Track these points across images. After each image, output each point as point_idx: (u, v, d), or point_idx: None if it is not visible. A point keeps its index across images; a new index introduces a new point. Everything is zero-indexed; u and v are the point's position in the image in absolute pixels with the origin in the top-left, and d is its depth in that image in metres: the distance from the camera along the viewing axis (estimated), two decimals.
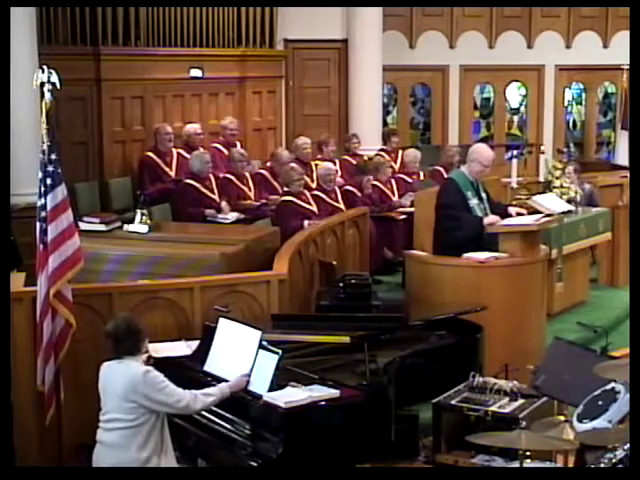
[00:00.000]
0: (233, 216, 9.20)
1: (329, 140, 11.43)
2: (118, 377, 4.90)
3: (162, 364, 5.62)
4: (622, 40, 13.78)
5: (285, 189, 9.62)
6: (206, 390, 5.07)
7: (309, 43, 13.12)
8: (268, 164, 10.75)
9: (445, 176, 10.83)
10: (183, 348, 5.90)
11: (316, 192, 9.74)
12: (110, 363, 5.02)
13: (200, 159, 9.48)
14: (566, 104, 15.10)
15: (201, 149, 10.15)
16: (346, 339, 5.50)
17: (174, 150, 10.36)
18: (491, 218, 7.44)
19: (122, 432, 4.86)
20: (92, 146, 10.37)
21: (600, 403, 4.78)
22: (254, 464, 4.91)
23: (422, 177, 11.26)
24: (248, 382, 5.20)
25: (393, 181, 10.95)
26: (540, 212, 7.92)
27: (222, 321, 5.55)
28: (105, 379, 5.01)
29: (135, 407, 4.84)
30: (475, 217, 7.40)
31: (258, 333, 5.30)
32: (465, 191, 7.44)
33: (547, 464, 5.01)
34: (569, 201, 9.15)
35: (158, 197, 9.49)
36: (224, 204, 9.33)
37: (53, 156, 5.72)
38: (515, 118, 15.07)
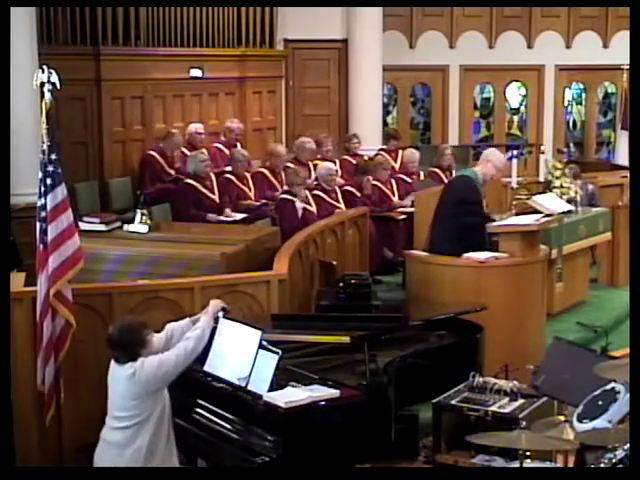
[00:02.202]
0: (237, 216, 9.20)
1: (325, 140, 11.42)
2: (120, 379, 4.90)
3: None
4: (622, 40, 13.78)
5: (285, 188, 9.62)
6: (190, 332, 5.16)
7: (309, 43, 13.13)
8: (267, 163, 10.75)
9: (443, 177, 10.88)
10: None
11: (316, 192, 9.74)
12: (114, 364, 5.02)
13: (195, 160, 9.46)
14: (566, 104, 15.10)
15: (204, 150, 10.14)
16: (346, 339, 5.50)
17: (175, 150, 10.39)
18: None
19: (128, 431, 4.87)
20: (92, 146, 10.37)
21: (600, 403, 4.78)
22: (254, 464, 4.91)
23: (422, 177, 11.27)
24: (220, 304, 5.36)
25: (393, 181, 10.95)
26: (540, 212, 7.92)
27: (222, 321, 5.55)
28: (110, 379, 5.01)
29: (144, 400, 4.86)
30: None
31: (258, 333, 5.29)
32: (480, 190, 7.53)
33: (547, 464, 5.01)
34: (569, 201, 9.15)
35: (158, 197, 9.49)
36: (228, 210, 9.31)
37: (53, 156, 5.71)
38: (515, 118, 15.08)
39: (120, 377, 4.91)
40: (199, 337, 5.12)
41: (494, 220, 7.50)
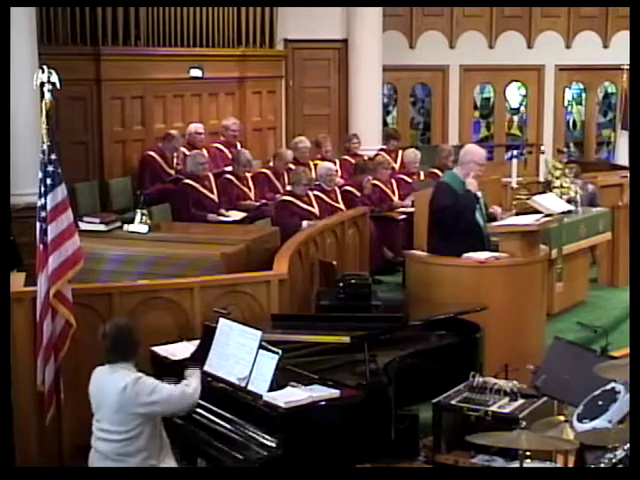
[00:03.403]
0: (237, 215, 9.20)
1: (324, 140, 11.42)
2: (110, 389, 4.89)
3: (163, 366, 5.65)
4: (622, 40, 13.78)
5: (288, 188, 9.61)
6: (186, 381, 5.15)
7: (309, 43, 13.13)
8: (270, 164, 10.76)
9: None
10: (192, 349, 5.88)
11: (316, 192, 9.74)
12: (102, 369, 5.02)
13: (193, 160, 9.48)
14: (566, 104, 15.11)
15: (204, 150, 10.14)
16: (346, 339, 5.50)
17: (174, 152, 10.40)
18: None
19: (117, 445, 4.86)
20: (92, 146, 10.37)
21: (600, 403, 4.78)
22: (254, 464, 4.91)
23: (422, 177, 11.27)
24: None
25: (393, 181, 10.95)
26: (540, 212, 7.92)
27: (222, 321, 5.55)
28: (98, 387, 5.00)
29: (131, 418, 4.84)
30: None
31: (258, 333, 5.30)
32: (459, 192, 7.43)
33: (547, 464, 5.01)
34: (569, 201, 9.15)
35: (158, 197, 9.49)
36: (223, 210, 9.31)
37: (53, 156, 5.72)
38: (515, 118, 15.08)
39: (109, 388, 4.88)
40: (196, 390, 5.10)
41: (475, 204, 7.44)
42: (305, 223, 8.89)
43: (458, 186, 7.44)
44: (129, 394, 4.82)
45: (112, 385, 4.88)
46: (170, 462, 5.04)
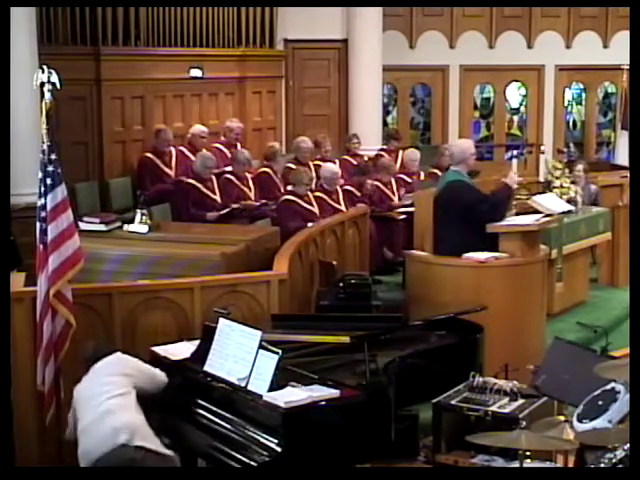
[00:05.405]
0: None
1: (323, 140, 11.42)
2: (96, 372, 5.25)
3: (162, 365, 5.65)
4: (622, 40, 13.79)
5: (289, 188, 9.61)
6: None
7: (309, 43, 13.14)
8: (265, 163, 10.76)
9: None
10: (192, 349, 5.88)
11: (318, 193, 9.74)
12: (83, 381, 5.29)
13: (202, 162, 9.47)
14: (566, 104, 15.11)
15: (204, 150, 10.14)
16: (346, 339, 5.50)
17: (173, 149, 10.39)
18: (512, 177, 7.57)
19: (119, 398, 5.10)
20: (92, 146, 10.37)
21: (600, 403, 4.78)
22: (254, 464, 4.91)
23: (422, 177, 11.27)
24: None
25: (393, 181, 10.95)
26: (540, 212, 7.92)
27: (222, 321, 5.55)
28: (89, 376, 5.29)
29: (121, 378, 5.19)
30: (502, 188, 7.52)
31: (258, 333, 5.29)
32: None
33: (547, 464, 5.01)
34: (569, 201, 9.15)
35: (158, 197, 9.49)
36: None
37: (53, 156, 5.71)
38: (515, 118, 15.09)
39: (100, 367, 5.27)
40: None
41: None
42: (310, 225, 8.87)
43: (469, 180, 7.59)
44: (118, 358, 5.35)
45: (95, 371, 5.27)
46: (153, 437, 5.13)
